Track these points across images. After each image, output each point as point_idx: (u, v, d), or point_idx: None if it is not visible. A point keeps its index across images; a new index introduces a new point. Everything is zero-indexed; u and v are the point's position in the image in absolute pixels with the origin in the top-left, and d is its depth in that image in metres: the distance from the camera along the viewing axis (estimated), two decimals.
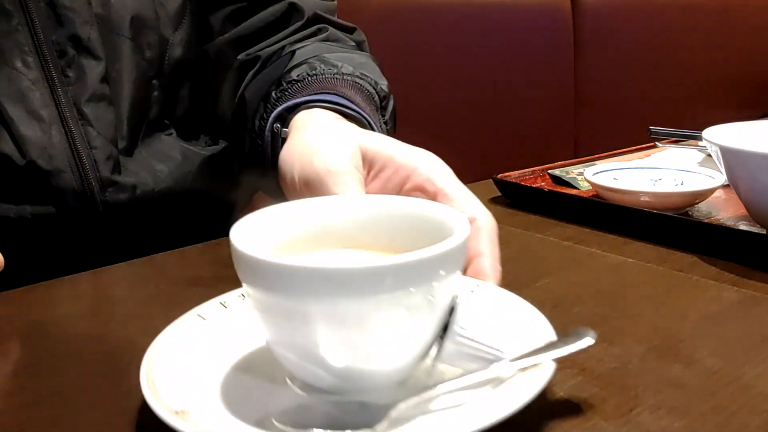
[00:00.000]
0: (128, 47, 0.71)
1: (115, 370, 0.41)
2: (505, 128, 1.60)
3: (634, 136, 1.00)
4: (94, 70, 0.68)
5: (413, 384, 0.36)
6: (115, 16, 0.70)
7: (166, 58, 0.74)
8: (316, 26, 0.79)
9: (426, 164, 0.49)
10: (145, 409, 0.37)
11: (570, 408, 0.36)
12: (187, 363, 0.38)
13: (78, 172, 0.67)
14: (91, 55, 0.68)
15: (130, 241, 0.67)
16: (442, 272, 0.33)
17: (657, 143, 0.96)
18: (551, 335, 0.37)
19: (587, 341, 0.36)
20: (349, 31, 0.83)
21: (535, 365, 0.35)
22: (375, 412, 0.32)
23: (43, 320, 0.48)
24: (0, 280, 0.53)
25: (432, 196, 0.47)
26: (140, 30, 0.71)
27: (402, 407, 0.33)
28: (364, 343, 0.33)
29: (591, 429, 0.34)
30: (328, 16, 0.81)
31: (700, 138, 0.69)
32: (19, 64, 0.65)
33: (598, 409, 0.36)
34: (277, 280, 0.33)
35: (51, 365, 0.43)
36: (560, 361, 0.40)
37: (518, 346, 0.36)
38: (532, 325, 0.39)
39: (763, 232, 0.61)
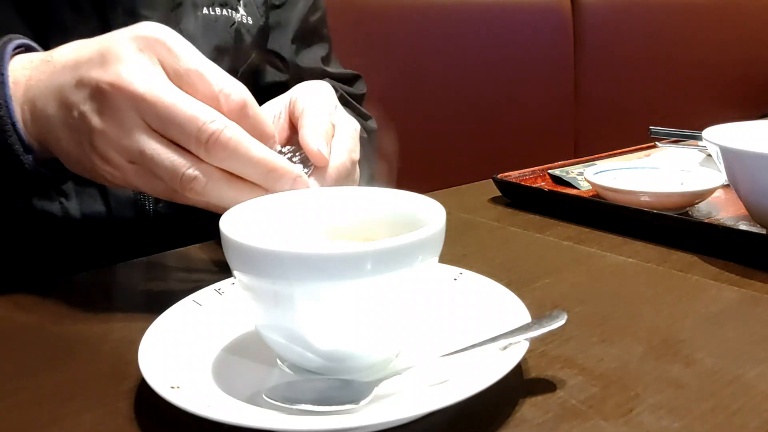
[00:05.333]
0: None
1: (115, 370, 0.41)
2: (505, 128, 1.60)
3: (634, 136, 1.00)
4: None
5: (396, 363, 0.39)
6: (199, 41, 0.69)
7: None
8: None
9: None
10: (144, 409, 0.37)
11: (570, 408, 0.36)
12: (184, 345, 0.39)
13: None
14: None
15: (175, 244, 0.66)
16: (419, 257, 0.35)
17: (657, 143, 0.96)
18: (527, 318, 0.40)
19: (559, 322, 0.38)
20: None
21: (510, 345, 0.37)
22: (360, 389, 0.35)
23: (43, 320, 0.48)
24: (38, 276, 0.54)
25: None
26: (220, 58, 0.72)
27: (385, 384, 0.35)
28: (348, 325, 0.35)
29: (591, 429, 0.34)
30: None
31: (700, 138, 0.69)
32: None
33: (598, 409, 0.36)
34: (264, 264, 0.34)
35: (51, 365, 0.43)
36: (560, 361, 0.40)
37: (496, 327, 0.39)
38: (510, 308, 0.42)
39: (763, 232, 0.61)
